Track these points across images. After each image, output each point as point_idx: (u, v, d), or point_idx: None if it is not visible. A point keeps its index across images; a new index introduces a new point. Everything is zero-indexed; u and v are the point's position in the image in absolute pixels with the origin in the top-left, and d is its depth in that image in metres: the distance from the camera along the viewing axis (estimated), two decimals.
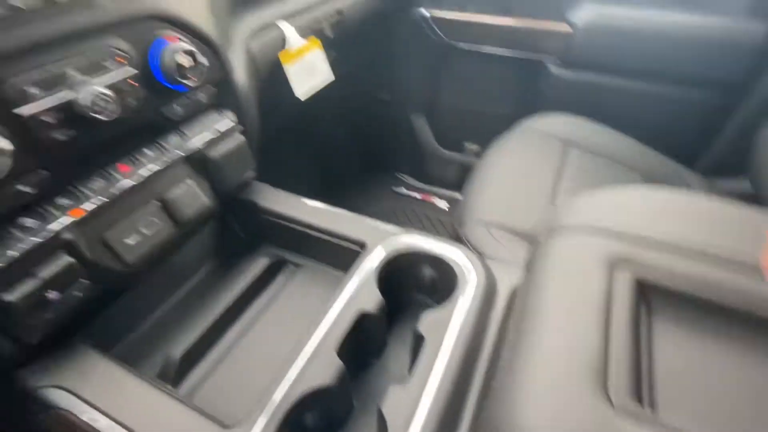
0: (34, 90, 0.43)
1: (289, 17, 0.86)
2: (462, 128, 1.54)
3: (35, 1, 0.40)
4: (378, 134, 1.67)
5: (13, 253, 0.43)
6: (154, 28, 0.53)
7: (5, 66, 0.41)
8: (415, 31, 1.37)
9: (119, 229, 0.53)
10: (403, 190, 1.69)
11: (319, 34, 0.95)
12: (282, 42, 0.84)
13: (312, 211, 0.69)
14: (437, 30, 1.35)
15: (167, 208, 0.58)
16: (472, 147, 1.56)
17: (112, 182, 0.52)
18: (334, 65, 0.98)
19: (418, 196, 1.66)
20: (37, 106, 0.43)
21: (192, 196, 0.60)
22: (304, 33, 0.89)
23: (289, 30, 0.85)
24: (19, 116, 0.42)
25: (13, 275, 0.44)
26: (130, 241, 0.54)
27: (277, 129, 0.79)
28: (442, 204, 1.62)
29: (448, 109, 1.52)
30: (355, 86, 1.48)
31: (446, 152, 1.59)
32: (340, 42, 1.04)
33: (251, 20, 0.79)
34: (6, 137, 0.40)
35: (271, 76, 0.81)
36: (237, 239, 0.77)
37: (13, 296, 0.43)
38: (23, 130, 0.42)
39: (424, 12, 1.34)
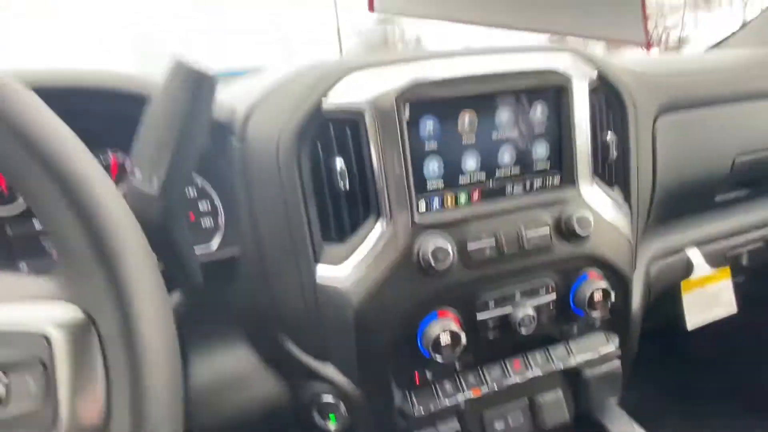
0: (492, 303, 0.59)
1: (701, 243, 0.82)
2: None
3: (513, 248, 0.58)
4: None
5: (435, 407, 0.59)
6: (584, 265, 0.62)
7: (478, 284, 0.58)
8: None
9: (495, 412, 0.62)
10: None
11: (732, 261, 0.85)
12: (684, 267, 0.81)
13: None
14: None
15: (532, 409, 0.64)
16: None
17: (505, 375, 0.63)
18: (736, 292, 0.85)
19: None
20: (490, 314, 0.58)
21: (557, 407, 0.64)
22: (714, 260, 0.82)
23: (697, 258, 0.80)
24: (476, 319, 0.58)
25: (425, 423, 0.59)
26: (497, 426, 0.62)
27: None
28: None
29: None
30: (759, 316, 1.20)
31: None
32: (755, 269, 0.89)
33: (657, 244, 0.80)
34: (463, 331, 0.56)
35: (663, 301, 0.78)
36: None
37: None
38: (474, 328, 0.58)
39: None
